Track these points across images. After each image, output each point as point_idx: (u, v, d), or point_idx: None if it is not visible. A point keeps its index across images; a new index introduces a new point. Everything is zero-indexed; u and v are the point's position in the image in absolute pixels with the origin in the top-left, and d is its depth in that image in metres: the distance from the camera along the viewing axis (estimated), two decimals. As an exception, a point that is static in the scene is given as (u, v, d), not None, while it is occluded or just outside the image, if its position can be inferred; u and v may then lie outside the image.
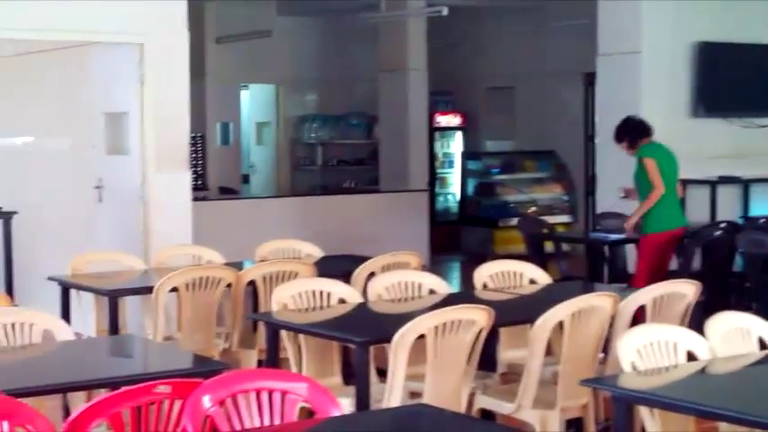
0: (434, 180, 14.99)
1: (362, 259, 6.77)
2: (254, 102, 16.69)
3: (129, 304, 6.70)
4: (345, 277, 6.31)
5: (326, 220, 11.74)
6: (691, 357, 4.38)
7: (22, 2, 7.78)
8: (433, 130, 15.06)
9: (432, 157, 14.86)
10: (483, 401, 5.23)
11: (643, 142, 8.10)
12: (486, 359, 5.36)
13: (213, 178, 14.84)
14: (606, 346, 5.31)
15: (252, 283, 6.47)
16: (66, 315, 6.48)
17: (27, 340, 4.76)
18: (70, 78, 8.96)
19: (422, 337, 4.74)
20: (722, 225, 8.90)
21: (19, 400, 3.38)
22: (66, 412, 5.14)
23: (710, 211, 10.18)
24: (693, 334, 4.48)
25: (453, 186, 15.41)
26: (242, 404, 3.58)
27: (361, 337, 4.84)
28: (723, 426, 4.19)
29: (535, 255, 8.92)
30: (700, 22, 10.34)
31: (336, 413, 3.58)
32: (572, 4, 12.65)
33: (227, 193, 14.55)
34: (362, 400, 4.72)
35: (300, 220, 11.53)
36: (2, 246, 9.04)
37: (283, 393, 3.62)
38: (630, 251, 8.98)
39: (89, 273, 6.78)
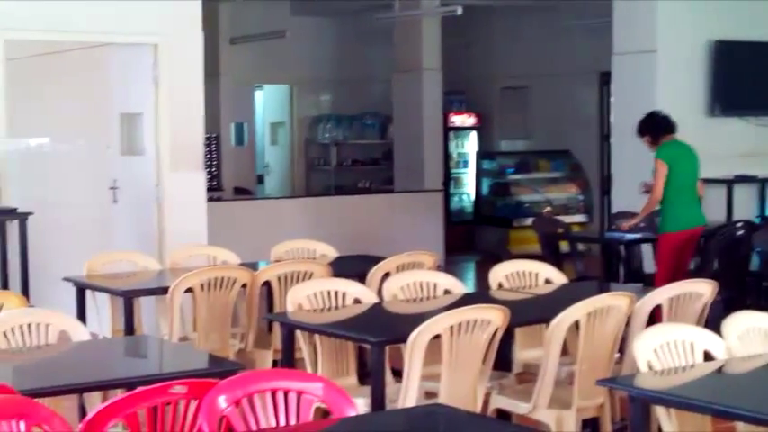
0: (449, 180, 14.95)
1: (377, 259, 6.77)
2: (268, 102, 16.69)
3: (144, 305, 6.71)
4: (360, 277, 6.31)
5: (341, 221, 11.75)
6: (708, 357, 4.37)
7: (36, 3, 7.80)
8: (448, 130, 15.02)
9: (446, 157, 14.82)
10: (499, 401, 5.23)
11: (666, 139, 8.04)
12: (502, 359, 5.36)
13: (228, 179, 14.86)
14: (622, 345, 5.29)
15: (267, 284, 6.47)
16: (81, 315, 6.48)
17: (43, 341, 4.77)
18: (85, 79, 8.97)
19: (437, 337, 4.73)
20: (739, 224, 8.87)
21: (36, 400, 3.38)
22: (83, 412, 5.14)
23: (727, 210, 10.15)
24: (710, 333, 4.46)
25: (468, 186, 15.37)
26: (257, 404, 3.58)
27: (376, 338, 4.84)
28: (740, 426, 4.16)
29: (550, 255, 8.91)
30: (715, 21, 10.30)
31: (352, 413, 3.57)
32: (587, 3, 12.61)
33: (241, 193, 14.58)
34: (378, 400, 4.72)
35: (315, 221, 11.54)
36: (17, 246, 9.05)
37: (299, 393, 3.62)
38: (646, 251, 8.96)
39: (104, 273, 6.79)
